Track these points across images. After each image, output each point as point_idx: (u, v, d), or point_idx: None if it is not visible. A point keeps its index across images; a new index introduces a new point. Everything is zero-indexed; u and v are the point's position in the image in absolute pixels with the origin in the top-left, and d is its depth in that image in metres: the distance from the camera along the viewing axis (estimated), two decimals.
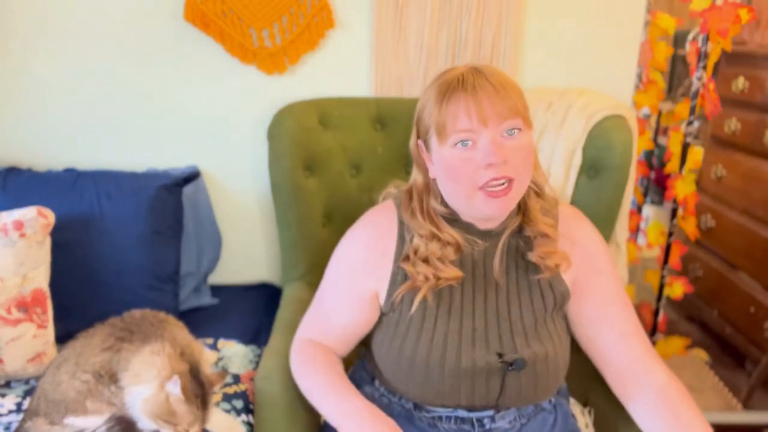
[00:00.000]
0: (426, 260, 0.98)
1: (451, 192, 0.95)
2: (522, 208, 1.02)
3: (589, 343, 1.05)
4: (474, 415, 1.01)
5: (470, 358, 0.97)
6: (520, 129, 0.91)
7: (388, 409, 1.05)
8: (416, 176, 1.03)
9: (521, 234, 1.02)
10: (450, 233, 0.98)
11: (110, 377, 1.06)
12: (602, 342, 1.02)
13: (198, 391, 1.03)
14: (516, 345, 0.98)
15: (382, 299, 1.04)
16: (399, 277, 1.02)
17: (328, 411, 0.99)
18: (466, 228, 1.00)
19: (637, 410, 0.99)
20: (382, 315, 1.05)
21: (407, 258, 1.00)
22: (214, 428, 1.12)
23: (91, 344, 1.10)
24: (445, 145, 0.91)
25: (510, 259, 1.02)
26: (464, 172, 0.90)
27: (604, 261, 1.06)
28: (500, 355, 0.97)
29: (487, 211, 0.93)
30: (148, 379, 1.02)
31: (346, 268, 1.08)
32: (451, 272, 0.98)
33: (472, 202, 0.92)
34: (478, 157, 0.89)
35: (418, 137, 0.99)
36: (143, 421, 1.02)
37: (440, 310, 1.00)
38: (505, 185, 0.90)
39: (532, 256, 1.00)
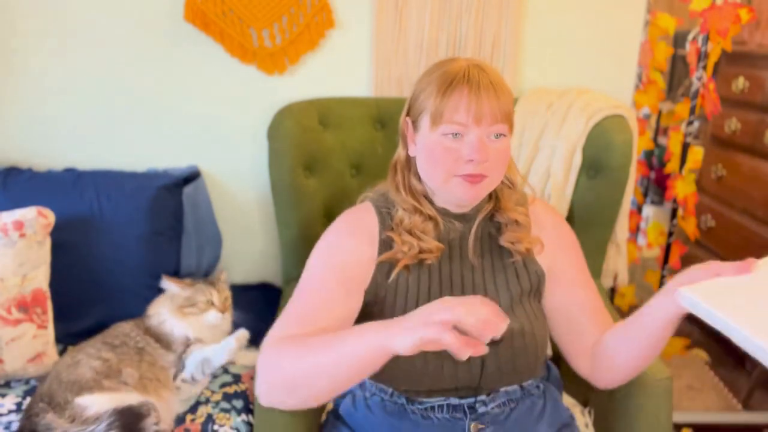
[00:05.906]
0: (410, 231, 1.03)
1: (428, 173, 1.01)
2: (494, 197, 1.08)
3: (563, 325, 1.09)
4: (465, 401, 1.03)
5: None
6: (504, 135, 0.98)
7: (380, 407, 1.07)
8: (400, 151, 1.08)
9: (493, 220, 1.08)
10: (430, 209, 1.04)
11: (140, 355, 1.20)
12: (575, 320, 1.07)
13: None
14: None
15: (366, 284, 1.04)
16: (384, 266, 1.04)
17: (355, 344, 0.82)
18: (442, 212, 1.05)
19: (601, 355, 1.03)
20: (366, 306, 1.05)
21: (392, 229, 1.05)
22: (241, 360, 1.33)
23: (110, 334, 1.24)
24: (436, 131, 0.96)
25: (485, 243, 1.08)
26: (445, 160, 0.96)
27: (570, 244, 1.12)
28: None
29: (459, 195, 0.99)
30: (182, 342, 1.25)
31: (337, 260, 1.05)
32: (433, 243, 1.03)
33: (447, 186, 0.99)
34: (462, 150, 0.95)
35: (408, 115, 1.04)
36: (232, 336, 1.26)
37: (420, 292, 1.04)
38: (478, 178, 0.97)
39: (503, 241, 1.06)
